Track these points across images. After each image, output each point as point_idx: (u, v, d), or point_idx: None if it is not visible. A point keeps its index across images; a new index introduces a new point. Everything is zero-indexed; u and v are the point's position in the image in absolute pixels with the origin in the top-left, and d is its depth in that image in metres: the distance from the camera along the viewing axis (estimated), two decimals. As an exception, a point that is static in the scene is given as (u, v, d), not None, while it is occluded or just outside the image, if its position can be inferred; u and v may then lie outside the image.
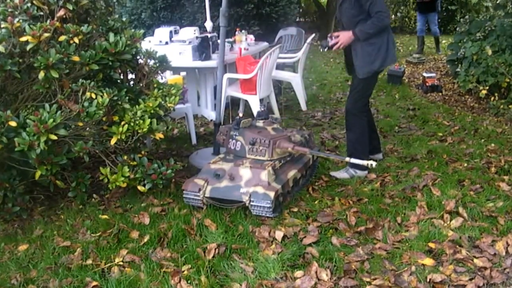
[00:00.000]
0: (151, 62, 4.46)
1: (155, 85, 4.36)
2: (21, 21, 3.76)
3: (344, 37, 4.43)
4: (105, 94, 3.79)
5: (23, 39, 3.61)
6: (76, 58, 3.75)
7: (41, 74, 3.57)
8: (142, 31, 4.30)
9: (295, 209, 4.01)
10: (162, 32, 6.41)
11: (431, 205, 4.01)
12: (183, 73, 6.55)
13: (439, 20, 15.92)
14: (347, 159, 4.03)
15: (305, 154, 4.38)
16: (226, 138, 4.35)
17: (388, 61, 4.50)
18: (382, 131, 6.06)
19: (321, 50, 4.56)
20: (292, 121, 6.71)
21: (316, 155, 4.65)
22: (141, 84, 4.35)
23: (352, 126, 4.68)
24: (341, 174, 4.73)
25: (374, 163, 3.74)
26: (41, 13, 3.97)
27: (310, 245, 3.47)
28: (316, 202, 4.16)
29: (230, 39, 7.19)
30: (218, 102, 5.16)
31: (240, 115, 4.39)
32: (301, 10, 16.72)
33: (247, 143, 4.15)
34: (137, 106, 4.05)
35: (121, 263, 3.33)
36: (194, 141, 5.83)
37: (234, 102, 6.97)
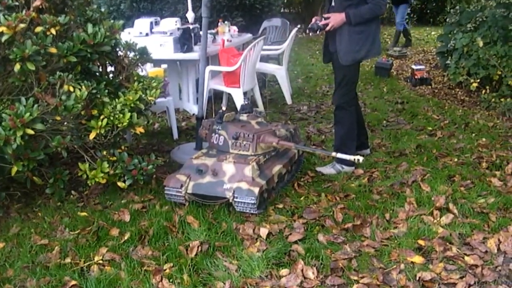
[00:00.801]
0: (131, 54, 4.46)
1: (135, 78, 4.36)
2: (-5, 11, 3.75)
3: (336, 19, 4.37)
4: (83, 87, 3.78)
5: (-2, 30, 3.60)
6: (53, 50, 3.74)
7: (17, 67, 3.56)
8: (121, 22, 4.29)
9: (280, 206, 4.04)
10: (142, 23, 6.40)
11: (421, 201, 4.06)
12: (164, 66, 6.55)
13: (428, 11, 16.04)
14: (334, 154, 4.06)
15: (290, 149, 4.40)
16: (208, 133, 4.36)
17: (373, 52, 4.50)
18: (370, 125, 6.11)
19: (310, 34, 4.51)
20: (276, 115, 6.74)
21: (302, 150, 4.68)
22: (120, 77, 4.35)
23: (341, 120, 4.70)
24: (328, 170, 4.76)
25: (361, 158, 3.77)
26: (17, 3, 3.95)
27: (295, 242, 3.50)
28: (301, 198, 4.19)
29: (213, 31, 7.20)
30: (201, 95, 5.16)
31: (223, 108, 4.39)
32: (285, 1, 16.72)
33: (230, 138, 4.16)
34: (116, 100, 4.05)
35: (100, 261, 3.33)
36: (175, 135, 5.85)
37: (217, 96, 6.98)
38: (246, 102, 4.53)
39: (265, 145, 4.16)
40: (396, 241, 3.51)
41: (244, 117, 4.40)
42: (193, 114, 6.57)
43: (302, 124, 6.30)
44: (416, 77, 8.28)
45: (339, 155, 4.00)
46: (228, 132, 4.19)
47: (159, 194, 4.26)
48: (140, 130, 4.11)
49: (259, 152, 4.14)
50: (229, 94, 6.35)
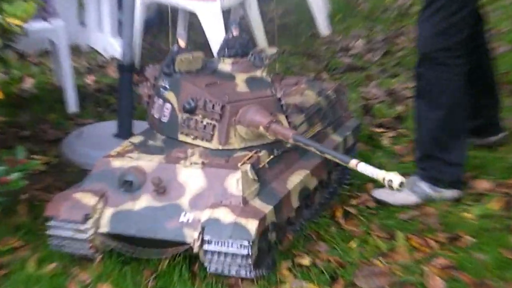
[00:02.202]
0: None
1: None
2: None
3: None
4: None
5: None
6: None
7: None
8: None
9: (306, 260, 4.02)
10: None
11: None
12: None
13: None
14: (353, 163, 3.91)
15: (325, 137, 4.40)
16: (152, 94, 4.36)
17: None
18: (502, 82, 6.07)
19: None
20: (298, 60, 6.76)
21: (349, 139, 4.61)
22: None
23: (428, 89, 4.67)
24: (400, 196, 4.70)
25: (398, 179, 3.62)
26: None
27: None
28: (352, 242, 4.20)
29: None
30: (128, 16, 5.14)
31: (180, 43, 4.33)
32: None
33: (181, 109, 4.18)
34: None
35: None
36: (72, 106, 5.90)
37: (166, 18, 6.98)
38: (233, 33, 4.49)
39: (247, 130, 4.12)
40: None
41: (225, 64, 4.37)
42: (112, 59, 6.56)
43: (354, 80, 6.38)
44: None
45: (362, 167, 3.88)
46: (180, 96, 4.21)
47: (37, 237, 4.25)
48: (-9, 93, 4.10)
49: (233, 144, 4.09)
50: (193, 15, 6.33)
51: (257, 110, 4.05)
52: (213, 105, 4.02)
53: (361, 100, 5.90)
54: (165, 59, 4.29)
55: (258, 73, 4.34)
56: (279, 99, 4.22)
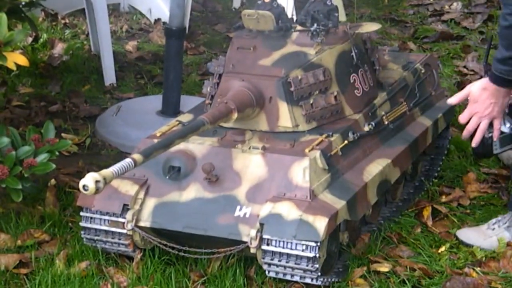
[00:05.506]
0: None
1: None
2: None
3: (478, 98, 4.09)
4: None
5: None
6: None
7: None
8: None
9: (384, 267, 4.04)
10: None
11: None
12: None
13: None
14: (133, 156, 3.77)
15: (412, 119, 4.42)
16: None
17: None
18: None
19: None
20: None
21: (438, 121, 4.63)
22: None
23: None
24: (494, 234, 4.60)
25: (83, 181, 3.41)
26: None
27: None
28: (442, 249, 4.21)
29: None
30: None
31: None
32: None
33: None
34: None
35: None
36: (110, 77, 5.95)
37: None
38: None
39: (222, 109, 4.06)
40: None
41: (296, 32, 4.38)
42: (158, 22, 6.61)
43: (448, 51, 6.39)
44: None
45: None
46: (227, 55, 4.27)
47: (65, 230, 4.31)
48: (17, 59, 4.13)
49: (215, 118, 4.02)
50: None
51: (237, 88, 4.04)
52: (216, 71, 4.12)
53: (456, 76, 5.90)
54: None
55: (312, 50, 4.30)
56: (289, 84, 4.13)
